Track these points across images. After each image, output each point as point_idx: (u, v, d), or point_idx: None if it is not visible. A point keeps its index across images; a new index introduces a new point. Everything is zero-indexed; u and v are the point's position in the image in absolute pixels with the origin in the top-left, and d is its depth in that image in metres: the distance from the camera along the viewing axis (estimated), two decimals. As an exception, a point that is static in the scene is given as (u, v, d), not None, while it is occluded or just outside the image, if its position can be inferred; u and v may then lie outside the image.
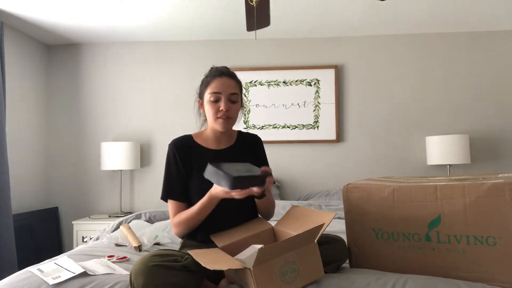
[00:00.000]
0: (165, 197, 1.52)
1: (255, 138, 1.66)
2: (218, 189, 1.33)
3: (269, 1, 2.05)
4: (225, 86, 1.48)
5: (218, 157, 1.54)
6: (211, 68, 1.58)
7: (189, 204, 1.51)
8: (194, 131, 1.64)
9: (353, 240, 1.44)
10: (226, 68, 1.56)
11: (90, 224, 3.12)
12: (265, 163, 1.65)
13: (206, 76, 1.54)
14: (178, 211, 1.49)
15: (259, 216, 1.61)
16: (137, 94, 3.56)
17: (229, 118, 1.48)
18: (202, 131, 1.61)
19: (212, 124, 1.52)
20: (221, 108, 1.46)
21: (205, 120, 1.59)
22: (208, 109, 1.50)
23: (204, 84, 1.53)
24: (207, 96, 1.49)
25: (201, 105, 1.57)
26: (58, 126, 3.57)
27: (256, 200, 1.50)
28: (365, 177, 3.36)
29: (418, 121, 3.40)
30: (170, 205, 1.51)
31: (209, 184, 1.47)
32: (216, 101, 1.48)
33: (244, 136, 1.64)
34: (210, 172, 1.29)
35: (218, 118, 1.48)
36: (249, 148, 1.61)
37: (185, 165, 1.51)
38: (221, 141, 1.57)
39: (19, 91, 3.22)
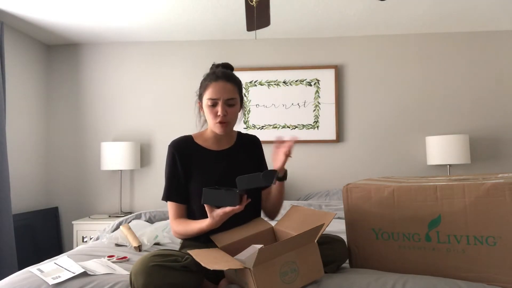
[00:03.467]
0: (165, 198, 1.53)
1: (254, 139, 1.67)
2: (208, 221, 1.35)
3: (269, 1, 2.05)
4: (222, 92, 1.47)
5: (218, 157, 1.54)
6: (212, 65, 1.57)
7: (189, 205, 1.52)
8: (194, 131, 1.65)
9: (353, 240, 1.44)
10: (225, 68, 1.55)
11: (90, 224, 3.12)
12: (265, 164, 1.67)
13: (205, 79, 1.54)
14: (177, 213, 1.51)
15: (262, 214, 1.61)
16: (137, 94, 3.56)
17: (227, 122, 1.49)
18: (203, 131, 1.61)
19: (213, 129, 1.53)
20: (218, 113, 1.47)
21: (205, 120, 1.60)
22: (207, 113, 1.51)
23: (203, 87, 1.53)
24: (205, 100, 1.50)
25: (200, 107, 1.58)
26: (58, 126, 3.57)
27: (264, 194, 1.53)
28: (365, 177, 3.36)
29: (418, 121, 3.40)
30: (170, 206, 1.52)
31: (209, 186, 1.47)
32: (213, 106, 1.48)
33: (243, 137, 1.65)
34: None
35: (216, 122, 1.49)
36: (249, 149, 1.62)
37: (185, 166, 1.51)
38: (222, 141, 1.58)
39: (19, 91, 3.22)
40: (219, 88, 1.48)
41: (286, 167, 1.49)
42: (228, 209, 1.29)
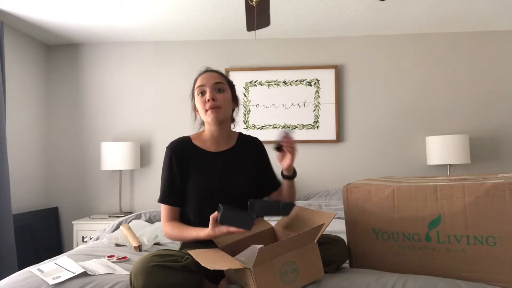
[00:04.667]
0: (160, 200, 1.53)
1: (255, 141, 1.65)
2: (206, 232, 1.33)
3: (269, 1, 2.05)
4: (208, 78, 1.52)
5: (216, 159, 1.53)
6: None
7: (183, 208, 1.52)
8: (193, 131, 1.64)
9: (353, 240, 1.44)
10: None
11: (90, 224, 3.12)
12: (268, 166, 1.65)
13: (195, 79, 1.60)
14: (170, 215, 1.51)
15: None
16: (137, 94, 3.56)
17: (217, 107, 1.49)
18: (200, 132, 1.61)
19: (205, 119, 1.53)
20: (207, 99, 1.48)
21: (202, 122, 1.61)
22: (198, 104, 1.53)
23: (193, 85, 1.58)
24: (195, 92, 1.54)
25: (195, 107, 1.59)
26: (58, 126, 3.57)
27: (284, 182, 1.56)
28: (365, 177, 3.35)
29: (418, 121, 3.40)
30: (163, 208, 1.52)
31: (206, 188, 1.47)
32: (202, 95, 1.51)
33: (244, 139, 1.64)
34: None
35: (207, 110, 1.49)
36: (248, 152, 1.60)
37: (182, 168, 1.51)
38: (220, 142, 1.57)
39: (19, 91, 3.22)
40: (205, 75, 1.54)
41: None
42: (233, 229, 1.26)
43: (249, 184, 1.54)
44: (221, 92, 1.51)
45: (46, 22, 3.08)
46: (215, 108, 1.48)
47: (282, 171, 1.54)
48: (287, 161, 1.47)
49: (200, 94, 1.51)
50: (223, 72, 3.20)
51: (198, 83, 1.53)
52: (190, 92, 1.61)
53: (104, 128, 3.55)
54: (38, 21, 3.05)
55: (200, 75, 1.56)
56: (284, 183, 1.56)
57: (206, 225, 1.48)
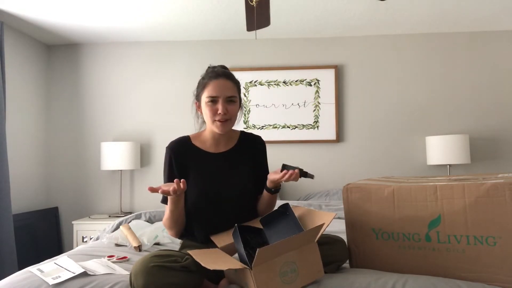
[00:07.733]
0: (162, 200, 1.52)
1: (256, 140, 1.62)
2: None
3: (269, 1, 2.05)
4: (222, 89, 1.45)
5: (215, 160, 1.53)
6: (208, 67, 1.55)
7: (185, 208, 1.50)
8: (193, 132, 1.63)
9: (353, 240, 1.44)
10: (223, 68, 1.53)
11: (90, 224, 3.12)
12: (262, 166, 1.61)
13: (203, 78, 1.51)
14: None
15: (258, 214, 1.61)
16: (137, 94, 3.56)
17: (227, 120, 1.46)
18: (201, 132, 1.59)
19: (211, 127, 1.50)
20: (219, 112, 1.44)
21: (204, 121, 1.57)
22: (206, 112, 1.47)
23: (201, 86, 1.50)
24: (204, 99, 1.47)
25: (198, 107, 1.55)
26: (58, 126, 3.57)
27: (265, 193, 1.52)
28: (365, 177, 3.35)
29: (418, 121, 3.40)
30: (166, 208, 1.51)
31: (205, 188, 1.47)
32: (213, 103, 1.45)
33: (246, 137, 1.61)
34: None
35: (215, 120, 1.46)
36: (249, 152, 1.58)
37: (181, 169, 1.50)
38: (220, 143, 1.55)
39: (19, 91, 3.22)
40: (220, 85, 1.45)
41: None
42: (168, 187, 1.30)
43: (247, 185, 1.53)
44: (232, 103, 1.47)
45: (46, 22, 3.08)
46: (225, 121, 1.46)
47: (267, 182, 1.49)
48: (278, 178, 1.41)
49: (211, 102, 1.45)
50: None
51: (210, 91, 1.45)
52: (195, 89, 1.55)
53: (104, 128, 3.55)
54: (38, 21, 3.05)
55: (212, 78, 1.47)
56: (265, 193, 1.52)
57: (205, 225, 1.48)
